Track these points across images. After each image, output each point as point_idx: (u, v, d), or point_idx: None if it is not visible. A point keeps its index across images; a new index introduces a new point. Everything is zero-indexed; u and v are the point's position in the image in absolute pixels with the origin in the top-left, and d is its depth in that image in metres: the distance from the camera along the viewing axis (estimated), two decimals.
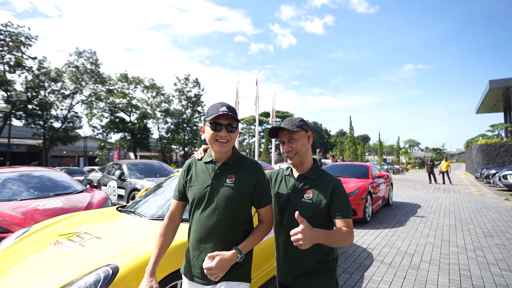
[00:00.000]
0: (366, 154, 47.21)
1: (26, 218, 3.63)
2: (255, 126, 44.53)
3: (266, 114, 52.21)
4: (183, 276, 1.42)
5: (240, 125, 63.31)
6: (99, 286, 1.59)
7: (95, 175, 10.20)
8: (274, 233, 1.51)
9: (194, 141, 40.92)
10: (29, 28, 31.50)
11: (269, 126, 35.70)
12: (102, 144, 35.42)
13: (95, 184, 8.43)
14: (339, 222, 1.32)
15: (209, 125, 1.35)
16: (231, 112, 1.34)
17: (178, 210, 1.49)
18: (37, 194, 4.46)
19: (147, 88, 37.44)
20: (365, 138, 74.85)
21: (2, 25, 25.55)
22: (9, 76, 26.91)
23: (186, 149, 40.13)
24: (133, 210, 2.86)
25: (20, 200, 4.12)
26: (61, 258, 1.94)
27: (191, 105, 40.05)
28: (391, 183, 9.11)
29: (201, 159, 1.48)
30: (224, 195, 1.34)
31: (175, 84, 39.03)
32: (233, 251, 1.28)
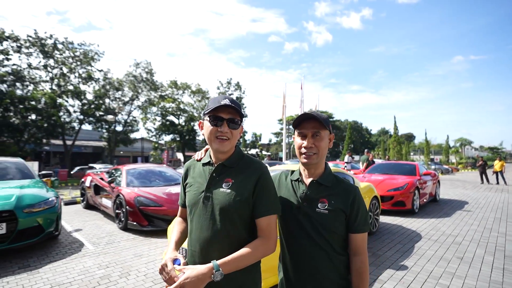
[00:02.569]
0: (411, 153, 45.39)
1: (168, 198, 5.36)
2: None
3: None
4: None
5: (279, 126, 63.71)
6: None
7: None
8: (280, 247, 1.33)
9: (238, 142, 43.18)
10: (98, 45, 35.99)
11: None
12: (156, 145, 39.11)
13: None
14: (353, 237, 1.20)
15: (208, 119, 1.19)
16: (234, 105, 1.17)
17: (183, 216, 1.38)
18: (165, 183, 6.25)
19: (194, 92, 40.48)
20: (410, 137, 71.28)
21: (78, 44, 29.84)
22: (82, 87, 31.32)
23: None
24: None
25: (158, 186, 5.90)
26: None
27: None
28: (438, 181, 9.69)
29: (199, 160, 1.33)
30: (219, 202, 1.15)
31: (218, 88, 41.58)
32: (208, 265, 1.04)
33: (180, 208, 1.39)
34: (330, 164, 8.25)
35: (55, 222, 4.47)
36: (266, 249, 1.14)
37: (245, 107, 42.99)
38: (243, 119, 1.22)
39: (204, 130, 1.22)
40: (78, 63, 30.45)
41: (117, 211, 5.71)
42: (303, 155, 1.24)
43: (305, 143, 1.23)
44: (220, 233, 1.14)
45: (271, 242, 1.15)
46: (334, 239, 1.20)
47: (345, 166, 13.01)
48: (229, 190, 1.16)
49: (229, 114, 1.17)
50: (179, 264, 1.10)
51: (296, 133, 1.28)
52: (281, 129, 56.37)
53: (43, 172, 6.11)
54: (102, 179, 6.87)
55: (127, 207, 5.30)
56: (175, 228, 1.34)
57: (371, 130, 75.17)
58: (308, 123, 1.24)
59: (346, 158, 13.80)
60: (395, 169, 8.97)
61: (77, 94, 29.62)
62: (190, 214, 1.23)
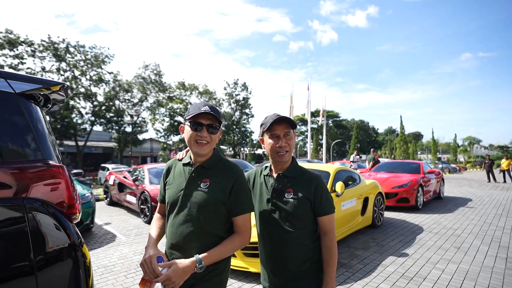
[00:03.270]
0: (419, 152, 45.26)
1: None
2: (305, 126, 45.63)
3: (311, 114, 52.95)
4: None
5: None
6: None
7: None
8: (258, 237, 1.46)
9: (243, 142, 43.78)
10: (108, 48, 36.91)
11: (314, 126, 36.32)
12: (165, 146, 39.89)
13: None
14: (321, 219, 1.34)
15: (189, 124, 1.27)
16: (214, 112, 1.25)
17: (162, 211, 1.46)
18: None
19: (201, 93, 41.11)
20: (417, 136, 70.82)
21: (89, 47, 30.68)
22: (93, 89, 32.18)
23: (235, 149, 43.13)
24: None
25: None
26: None
27: (240, 108, 42.87)
28: (442, 179, 10.00)
29: (181, 160, 1.40)
30: (197, 200, 1.24)
31: (225, 89, 42.17)
32: (192, 259, 1.17)
33: (159, 204, 1.46)
34: (337, 163, 8.64)
35: (91, 216, 5.00)
36: (242, 242, 1.28)
37: (252, 107, 43.46)
38: (221, 124, 1.33)
39: (184, 134, 1.31)
40: (89, 65, 31.30)
41: (142, 206, 6.24)
42: (278, 154, 1.37)
43: (279, 143, 1.36)
44: (198, 229, 1.23)
45: (247, 235, 1.29)
46: (302, 226, 1.33)
47: (351, 165, 13.35)
48: (207, 190, 1.26)
49: (208, 120, 1.27)
50: (162, 262, 1.21)
51: (267, 135, 1.40)
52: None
53: (74, 171, 6.66)
54: (125, 177, 7.42)
55: (152, 202, 5.82)
56: (154, 224, 1.43)
57: (377, 129, 74.94)
58: (279, 125, 1.36)
59: (352, 157, 14.14)
60: (400, 167, 9.33)
61: (89, 96, 30.54)
62: (170, 210, 1.31)
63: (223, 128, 35.80)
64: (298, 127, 56.01)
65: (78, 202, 1.42)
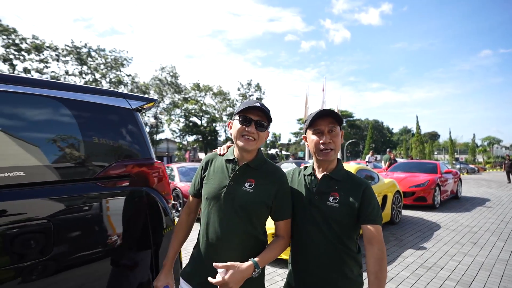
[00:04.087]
0: (435, 153, 44.39)
1: None
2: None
3: None
4: (183, 282, 1.30)
5: (298, 125, 63.23)
6: None
7: None
8: (291, 241, 1.35)
9: None
10: (127, 51, 38.19)
11: None
12: (180, 146, 40.87)
13: None
14: (367, 228, 1.21)
15: (238, 118, 1.25)
16: (265, 108, 1.24)
17: (194, 206, 1.42)
18: None
19: (215, 94, 41.85)
20: (434, 136, 69.25)
21: (109, 51, 31.87)
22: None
23: None
24: None
25: None
26: None
27: None
28: (460, 179, 10.08)
29: (222, 155, 1.36)
30: (240, 200, 1.22)
31: (238, 89, 42.73)
32: (249, 263, 1.15)
33: (190, 197, 1.42)
34: (353, 163, 8.88)
35: None
36: (286, 246, 1.30)
37: None
38: (271, 124, 1.29)
39: (232, 129, 1.29)
40: (109, 68, 32.51)
41: (173, 202, 6.76)
42: (322, 152, 1.27)
43: (323, 139, 1.26)
44: (239, 229, 1.21)
45: (288, 241, 1.31)
46: (344, 233, 1.24)
47: (367, 165, 13.50)
48: (252, 191, 1.23)
49: (258, 116, 1.24)
50: None
51: (310, 131, 1.31)
52: (301, 128, 56.72)
53: None
54: None
55: (184, 198, 6.32)
56: (176, 234, 1.39)
57: (392, 129, 73.79)
58: (324, 120, 1.28)
59: (368, 157, 14.28)
60: (417, 167, 9.49)
61: None
62: (208, 206, 1.27)
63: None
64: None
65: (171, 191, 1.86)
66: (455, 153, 37.01)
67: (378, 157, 25.87)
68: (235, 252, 1.20)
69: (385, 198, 5.62)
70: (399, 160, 14.40)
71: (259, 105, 1.23)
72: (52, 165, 1.33)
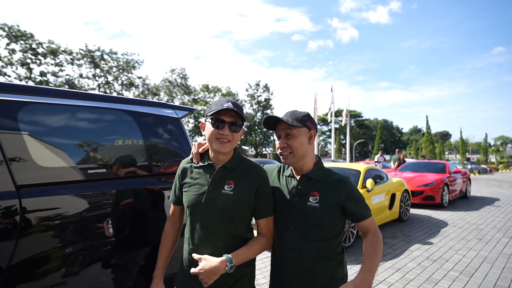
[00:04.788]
0: (446, 153, 43.85)
1: None
2: (329, 126, 45.61)
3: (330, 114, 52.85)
4: None
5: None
6: None
7: None
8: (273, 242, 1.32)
9: (265, 142, 44.62)
10: (138, 54, 39.06)
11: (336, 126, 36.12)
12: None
13: None
14: (361, 224, 1.23)
15: (210, 121, 1.21)
16: (237, 109, 1.19)
17: (177, 214, 1.41)
18: None
19: (224, 95, 42.35)
20: (445, 135, 68.27)
21: (121, 54, 32.70)
22: (124, 93, 34.25)
23: (257, 149, 44.08)
24: None
25: None
26: None
27: (261, 109, 43.69)
28: (469, 179, 10.19)
29: (197, 163, 1.32)
30: (222, 203, 1.20)
31: (247, 90, 43.17)
32: (222, 258, 1.13)
33: (172, 206, 1.41)
34: (362, 163, 9.08)
35: None
36: (267, 243, 1.28)
37: (273, 108, 44.16)
38: (245, 122, 1.27)
39: (205, 131, 1.25)
40: (121, 71, 33.35)
41: None
42: (282, 156, 1.28)
43: (278, 143, 1.28)
44: (223, 233, 1.20)
45: (270, 239, 1.29)
46: (326, 234, 1.21)
47: (376, 166, 13.64)
48: (232, 193, 1.21)
49: (231, 117, 1.21)
50: None
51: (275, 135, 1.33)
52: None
53: None
54: None
55: None
56: (163, 241, 1.39)
57: (402, 128, 73.03)
58: (280, 124, 1.27)
59: (377, 158, 14.42)
60: (426, 167, 9.65)
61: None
62: (190, 214, 1.25)
63: (245, 129, 36.98)
64: (319, 126, 56.01)
65: None
66: (467, 153, 36.56)
67: (387, 157, 25.85)
68: (222, 254, 1.18)
69: (393, 196, 5.86)
70: (409, 160, 14.49)
71: (231, 105, 1.20)
72: (128, 163, 1.69)
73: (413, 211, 7.31)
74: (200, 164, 1.31)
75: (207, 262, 1.13)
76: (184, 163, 1.38)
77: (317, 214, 1.21)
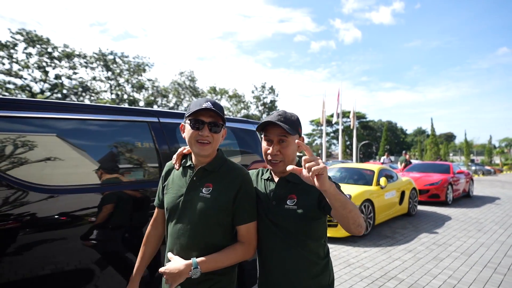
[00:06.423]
0: (451, 154, 44.29)
1: None
2: (333, 127, 46.37)
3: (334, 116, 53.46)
4: None
5: (311, 127, 63.05)
6: None
7: None
8: (257, 249, 1.27)
9: None
10: (148, 57, 40.11)
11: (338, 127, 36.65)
12: None
13: None
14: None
15: (189, 122, 1.16)
16: (216, 109, 1.15)
17: (160, 218, 1.35)
18: None
19: (231, 97, 43.28)
20: (449, 137, 68.54)
21: (133, 57, 33.70)
22: (135, 95, 35.26)
23: None
24: None
25: None
26: None
27: (267, 111, 44.53)
28: (472, 179, 10.92)
29: (178, 169, 1.28)
30: (198, 208, 1.15)
31: (253, 92, 44.03)
32: (187, 262, 1.08)
33: (156, 209, 1.37)
34: (373, 164, 9.79)
35: None
36: (245, 253, 1.18)
37: (278, 109, 44.99)
38: (225, 122, 1.23)
39: (185, 133, 1.21)
40: (131, 73, 34.35)
41: None
42: (270, 162, 1.22)
43: (270, 149, 1.20)
44: (198, 239, 1.15)
45: (251, 248, 1.20)
46: (307, 237, 1.18)
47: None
48: (209, 196, 1.16)
49: (210, 117, 1.16)
50: None
51: (262, 136, 1.25)
52: (313, 130, 57.45)
53: None
54: None
55: None
56: (143, 246, 1.35)
57: (406, 130, 73.35)
58: (274, 128, 1.20)
59: (382, 159, 15.12)
60: (431, 168, 10.39)
61: (132, 102, 33.67)
62: (169, 218, 1.22)
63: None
64: (323, 127, 56.47)
65: None
66: (472, 155, 37.02)
67: (393, 158, 26.46)
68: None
69: (403, 193, 6.63)
70: (413, 161, 15.20)
71: (210, 105, 1.15)
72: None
73: (420, 207, 8.05)
74: (183, 165, 1.28)
75: (173, 263, 1.10)
76: (168, 164, 1.35)
77: (295, 216, 1.16)
